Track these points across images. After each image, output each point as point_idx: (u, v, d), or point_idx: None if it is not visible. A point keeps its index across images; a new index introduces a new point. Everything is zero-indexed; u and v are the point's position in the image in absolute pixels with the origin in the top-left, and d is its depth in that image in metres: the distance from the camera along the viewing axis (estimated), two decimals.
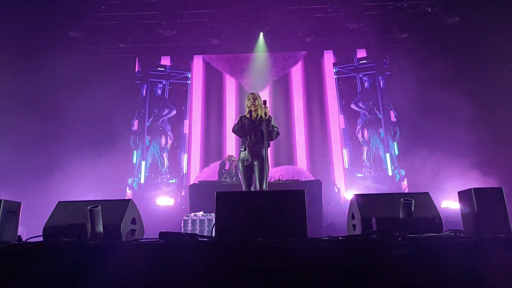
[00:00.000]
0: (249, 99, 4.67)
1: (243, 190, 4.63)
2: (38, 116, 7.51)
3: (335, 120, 9.69)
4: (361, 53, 9.85)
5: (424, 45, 9.40)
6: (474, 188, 2.69)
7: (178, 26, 8.80)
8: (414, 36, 9.17)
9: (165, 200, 8.50)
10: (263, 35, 9.40)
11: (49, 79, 7.57)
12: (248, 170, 4.59)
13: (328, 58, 10.01)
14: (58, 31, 8.43)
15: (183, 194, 8.27)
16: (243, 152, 4.60)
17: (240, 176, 4.70)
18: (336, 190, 8.52)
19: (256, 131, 4.54)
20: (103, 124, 8.35)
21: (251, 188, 4.65)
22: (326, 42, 9.60)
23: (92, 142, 8.06)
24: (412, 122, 8.52)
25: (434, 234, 2.64)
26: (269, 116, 4.55)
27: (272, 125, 4.53)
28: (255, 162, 4.52)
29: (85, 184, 7.30)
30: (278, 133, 4.60)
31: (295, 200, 2.61)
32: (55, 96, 7.56)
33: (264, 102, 4.56)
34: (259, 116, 4.58)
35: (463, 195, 2.82)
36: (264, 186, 4.42)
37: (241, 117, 4.70)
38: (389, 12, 8.72)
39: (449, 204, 6.87)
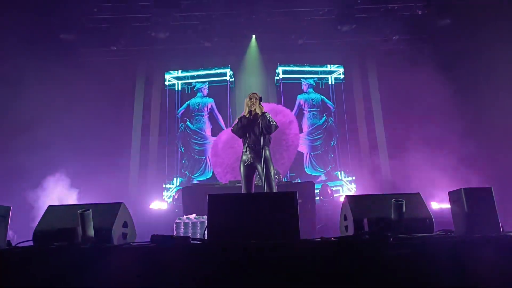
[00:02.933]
0: (251, 99, 4.57)
1: (243, 192, 4.51)
2: (28, 118, 7.43)
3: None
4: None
5: (415, 47, 9.50)
6: (464, 188, 2.71)
7: (170, 29, 8.78)
8: (406, 38, 9.26)
9: (158, 203, 8.45)
10: (255, 37, 9.43)
11: (40, 82, 7.50)
12: (249, 172, 4.48)
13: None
14: (49, 33, 8.36)
15: (176, 197, 8.24)
16: (245, 153, 4.50)
17: (240, 177, 4.58)
18: (329, 191, 8.55)
19: (255, 129, 4.44)
20: (96, 127, 8.29)
21: (251, 191, 4.55)
22: (318, 45, 9.64)
23: (85, 145, 7.99)
24: (401, 122, 8.61)
25: (425, 234, 2.66)
26: (265, 112, 4.51)
27: (269, 119, 4.45)
28: (258, 165, 4.38)
29: (78, 187, 7.25)
30: (276, 127, 4.53)
31: (287, 201, 2.61)
32: (46, 99, 7.49)
33: (260, 98, 4.49)
34: (258, 115, 4.47)
35: (454, 195, 2.85)
36: (273, 189, 4.29)
37: (240, 118, 4.60)
38: (381, 15, 8.79)
39: (437, 205, 6.96)
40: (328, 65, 10.00)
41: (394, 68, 8.86)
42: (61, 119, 7.95)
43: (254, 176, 4.56)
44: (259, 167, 4.40)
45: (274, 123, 4.51)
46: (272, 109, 8.27)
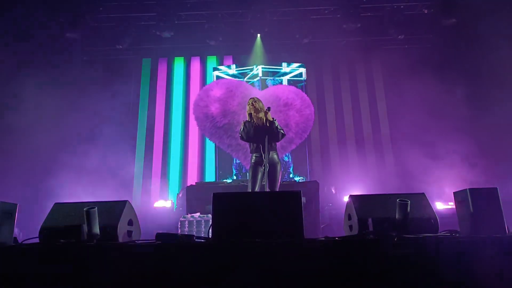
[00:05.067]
0: (249, 104, 4.63)
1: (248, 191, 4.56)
2: (33, 116, 7.48)
3: (332, 118, 9.76)
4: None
5: (421, 46, 9.46)
6: (469, 189, 2.69)
7: (175, 28, 8.80)
8: (411, 37, 9.22)
9: (162, 202, 8.48)
10: (261, 36, 9.42)
11: (46, 80, 7.55)
12: (259, 175, 4.55)
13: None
14: (55, 32, 8.41)
15: (180, 195, 8.26)
16: (255, 156, 4.57)
17: (248, 177, 4.64)
18: (334, 191, 8.52)
19: (264, 135, 4.47)
20: (102, 124, 8.34)
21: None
22: (323, 44, 9.61)
23: (91, 142, 8.04)
24: (407, 121, 8.58)
25: (430, 235, 2.65)
26: (273, 118, 4.55)
27: (277, 127, 4.52)
28: (268, 168, 4.42)
29: (83, 185, 7.28)
30: (283, 135, 4.60)
31: (291, 201, 2.61)
32: (51, 96, 7.53)
33: (268, 108, 4.53)
34: (262, 120, 4.53)
35: (459, 196, 2.83)
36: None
37: (244, 123, 4.63)
38: (386, 14, 8.75)
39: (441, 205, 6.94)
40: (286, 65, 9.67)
41: (399, 67, 8.83)
42: (67, 116, 8.01)
43: (263, 178, 4.60)
44: (269, 170, 4.44)
45: (282, 131, 4.58)
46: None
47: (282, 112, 7.67)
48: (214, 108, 7.65)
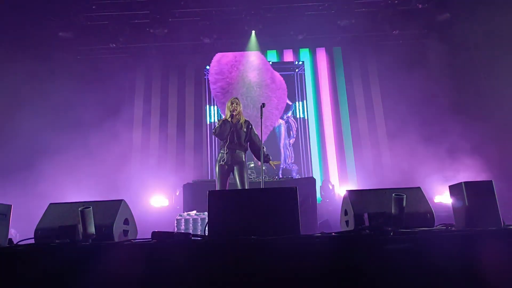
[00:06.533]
0: (232, 103, 4.71)
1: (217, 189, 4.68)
2: (28, 116, 7.42)
3: (328, 113, 9.76)
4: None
5: (415, 41, 9.47)
6: (464, 182, 2.70)
7: (169, 26, 8.75)
8: (405, 32, 9.23)
9: (159, 200, 8.46)
10: (255, 33, 9.39)
11: (40, 80, 7.49)
12: (225, 172, 4.67)
13: (320, 55, 10.06)
14: (48, 31, 8.34)
15: (177, 193, 8.24)
16: (223, 154, 4.67)
17: (215, 177, 4.76)
18: (331, 187, 8.54)
19: (238, 135, 4.66)
20: (97, 122, 8.29)
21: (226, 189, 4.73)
22: (318, 40, 9.60)
23: (86, 142, 8.00)
24: (401, 116, 8.61)
25: (426, 229, 2.66)
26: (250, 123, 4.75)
27: (267, 156, 4.71)
28: (235, 167, 4.63)
29: (78, 185, 7.25)
30: (269, 159, 4.78)
31: (287, 197, 2.61)
32: (45, 96, 7.48)
33: (263, 104, 4.64)
34: (240, 122, 4.71)
35: (454, 189, 2.84)
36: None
37: (224, 121, 4.71)
38: (381, 9, 8.75)
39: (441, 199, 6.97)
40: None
41: (394, 62, 8.83)
42: (61, 116, 7.96)
43: (229, 176, 4.76)
44: (236, 169, 4.65)
45: (269, 155, 4.79)
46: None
47: (283, 95, 8.42)
48: (252, 76, 7.73)
